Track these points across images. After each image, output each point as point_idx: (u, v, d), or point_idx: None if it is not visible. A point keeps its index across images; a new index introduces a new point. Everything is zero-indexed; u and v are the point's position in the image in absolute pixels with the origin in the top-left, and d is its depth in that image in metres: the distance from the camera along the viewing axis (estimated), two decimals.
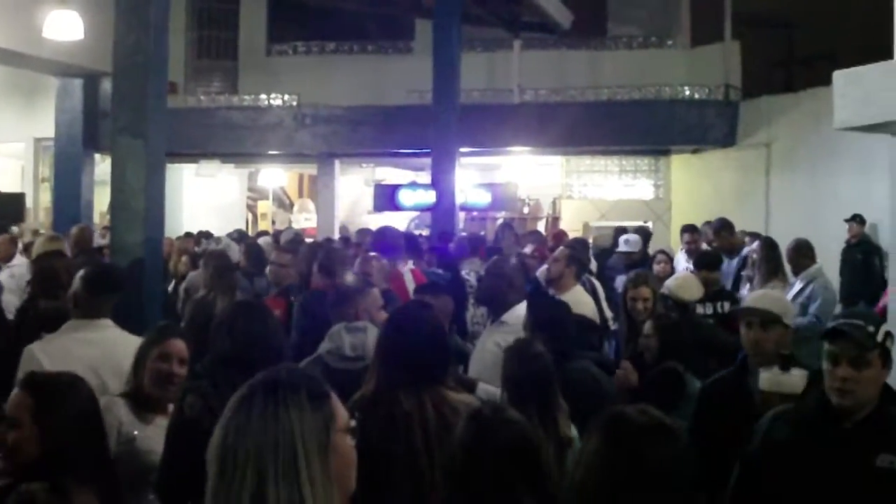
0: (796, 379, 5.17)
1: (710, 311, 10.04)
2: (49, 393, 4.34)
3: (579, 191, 25.15)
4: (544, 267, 13.70)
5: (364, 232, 14.64)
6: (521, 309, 7.52)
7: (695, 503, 3.36)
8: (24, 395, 4.29)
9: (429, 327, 5.35)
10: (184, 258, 13.83)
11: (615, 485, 3.19)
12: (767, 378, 5.26)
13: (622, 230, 16.30)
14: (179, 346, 5.72)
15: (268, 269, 10.83)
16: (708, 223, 15.03)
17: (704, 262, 10.75)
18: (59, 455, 4.17)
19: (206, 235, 17.38)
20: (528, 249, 14.29)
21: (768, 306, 5.88)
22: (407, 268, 9.55)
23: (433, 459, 4.89)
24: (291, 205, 32.66)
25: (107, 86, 20.42)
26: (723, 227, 13.83)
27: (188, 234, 17.32)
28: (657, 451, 3.24)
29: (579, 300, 9.72)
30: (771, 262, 11.71)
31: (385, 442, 4.89)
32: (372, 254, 9.90)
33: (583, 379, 6.72)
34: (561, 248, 11.73)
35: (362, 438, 4.85)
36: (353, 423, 3.01)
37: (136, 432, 5.54)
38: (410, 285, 9.09)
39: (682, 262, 14.02)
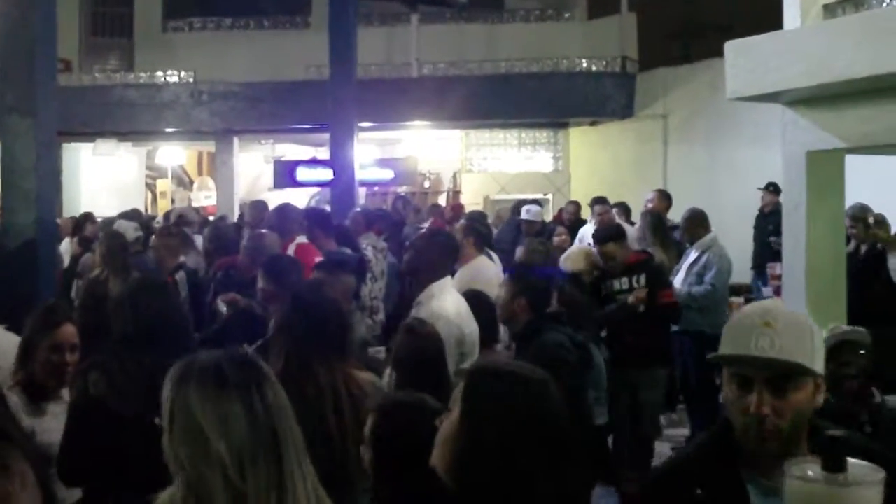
0: (867, 493, 2.41)
1: (626, 286, 9.93)
2: None
3: (479, 164, 25.19)
4: None
5: (257, 205, 14.52)
6: (437, 287, 7.10)
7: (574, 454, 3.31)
8: None
9: (334, 304, 5.35)
10: (74, 239, 13.74)
11: (503, 439, 3.13)
12: (798, 489, 2.47)
13: (523, 202, 16.33)
14: (69, 332, 5.59)
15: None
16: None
17: (599, 237, 10.72)
18: None
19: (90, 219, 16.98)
20: (426, 224, 14.34)
21: (788, 353, 3.01)
22: (293, 243, 9.47)
23: (346, 437, 4.87)
24: (191, 182, 32.33)
25: None
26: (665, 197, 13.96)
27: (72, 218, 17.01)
28: (537, 402, 3.20)
29: (482, 270, 9.71)
30: (655, 235, 11.86)
31: (298, 419, 4.86)
32: (262, 230, 9.85)
33: (549, 352, 6.69)
34: (461, 220, 11.75)
35: None
36: None
37: (33, 428, 5.42)
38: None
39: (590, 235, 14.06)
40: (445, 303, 6.89)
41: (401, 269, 9.63)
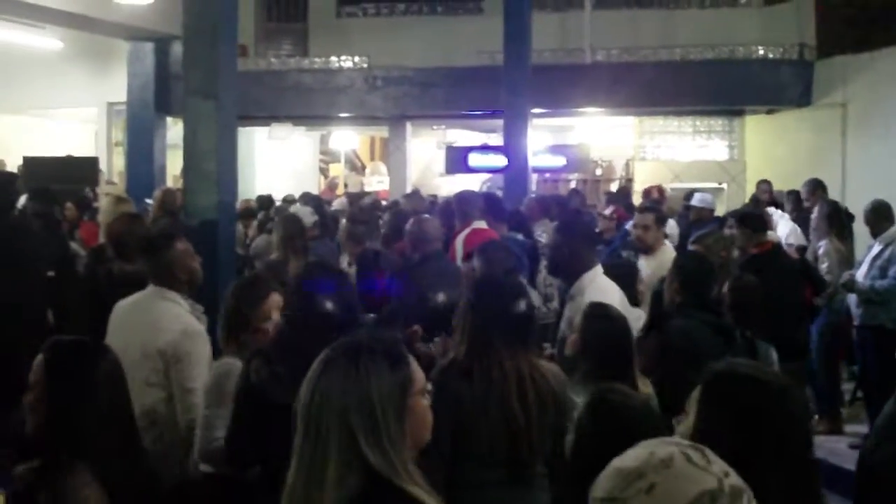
0: None
1: None
2: (62, 356, 4.14)
3: (652, 152, 24.88)
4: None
5: (414, 196, 14.77)
6: (587, 279, 7.06)
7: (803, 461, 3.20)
8: (40, 358, 4.09)
9: (518, 292, 5.30)
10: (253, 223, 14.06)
11: (730, 437, 3.05)
12: None
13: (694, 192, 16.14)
14: (277, 300, 5.76)
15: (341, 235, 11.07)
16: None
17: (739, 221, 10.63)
18: (62, 424, 3.98)
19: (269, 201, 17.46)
20: (607, 211, 14.27)
21: None
22: (469, 228, 9.60)
23: (530, 421, 4.89)
24: (363, 167, 32.70)
25: (177, 49, 20.55)
26: (817, 186, 13.66)
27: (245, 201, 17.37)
28: (769, 407, 3.11)
29: (669, 259, 9.58)
30: (830, 226, 11.63)
31: (482, 405, 4.90)
32: (426, 215, 10.06)
33: (678, 339, 6.59)
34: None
35: (457, 402, 4.88)
36: (429, 386, 3.07)
37: None
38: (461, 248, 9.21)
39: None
40: (605, 293, 6.77)
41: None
